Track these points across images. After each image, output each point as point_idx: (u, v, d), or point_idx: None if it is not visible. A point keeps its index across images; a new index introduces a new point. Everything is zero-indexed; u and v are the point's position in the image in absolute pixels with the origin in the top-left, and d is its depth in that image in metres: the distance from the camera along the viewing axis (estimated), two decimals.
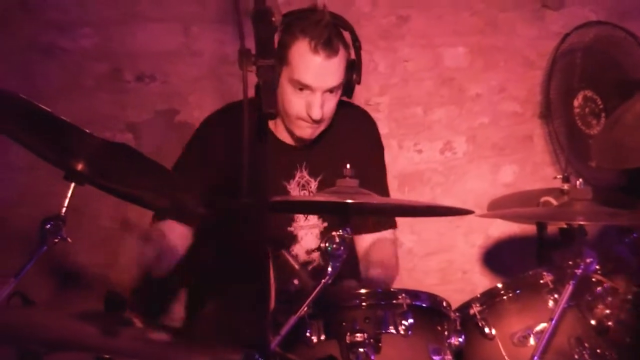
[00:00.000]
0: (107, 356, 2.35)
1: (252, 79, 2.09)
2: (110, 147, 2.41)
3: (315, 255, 3.40)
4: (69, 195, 2.46)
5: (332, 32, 3.14)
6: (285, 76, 3.17)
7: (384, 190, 3.53)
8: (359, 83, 3.28)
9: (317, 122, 3.22)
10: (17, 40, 3.72)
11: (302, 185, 3.38)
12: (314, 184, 3.39)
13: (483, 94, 4.51)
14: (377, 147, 3.60)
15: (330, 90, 3.19)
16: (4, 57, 3.70)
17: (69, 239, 2.43)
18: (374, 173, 3.49)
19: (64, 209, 2.45)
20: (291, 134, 3.33)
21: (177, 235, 3.28)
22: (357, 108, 3.61)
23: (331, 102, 3.24)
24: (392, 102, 4.33)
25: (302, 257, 3.40)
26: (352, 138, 3.45)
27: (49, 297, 3.73)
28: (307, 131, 3.27)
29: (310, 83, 3.15)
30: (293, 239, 3.40)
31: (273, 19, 2.12)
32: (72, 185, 2.46)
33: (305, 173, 3.38)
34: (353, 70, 3.24)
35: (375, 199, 2.76)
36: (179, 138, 3.69)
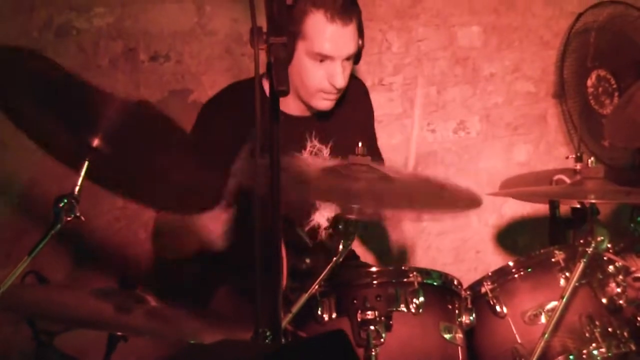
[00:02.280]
0: (120, 333, 2.38)
1: (265, 58, 2.10)
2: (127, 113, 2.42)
3: None
4: (82, 173, 2.47)
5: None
6: (302, 50, 3.16)
7: (378, 154, 3.61)
8: (363, 47, 3.28)
9: (339, 90, 3.23)
10: (33, 22, 3.73)
11: (314, 154, 3.38)
12: (325, 151, 3.39)
13: (497, 74, 4.50)
14: (372, 111, 3.68)
15: (348, 58, 3.21)
16: (20, 38, 3.72)
17: (83, 218, 2.44)
18: (370, 137, 3.59)
19: (77, 188, 2.46)
20: (307, 106, 3.32)
21: None
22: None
23: (348, 69, 3.26)
24: (405, 82, 4.33)
25: (323, 224, 3.40)
26: (352, 102, 3.47)
27: (63, 277, 3.75)
28: (325, 103, 3.27)
29: (331, 53, 3.15)
30: (312, 206, 3.40)
31: None
32: (86, 163, 2.47)
33: (315, 142, 3.38)
34: (359, 35, 3.25)
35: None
36: (192, 118, 3.70)
